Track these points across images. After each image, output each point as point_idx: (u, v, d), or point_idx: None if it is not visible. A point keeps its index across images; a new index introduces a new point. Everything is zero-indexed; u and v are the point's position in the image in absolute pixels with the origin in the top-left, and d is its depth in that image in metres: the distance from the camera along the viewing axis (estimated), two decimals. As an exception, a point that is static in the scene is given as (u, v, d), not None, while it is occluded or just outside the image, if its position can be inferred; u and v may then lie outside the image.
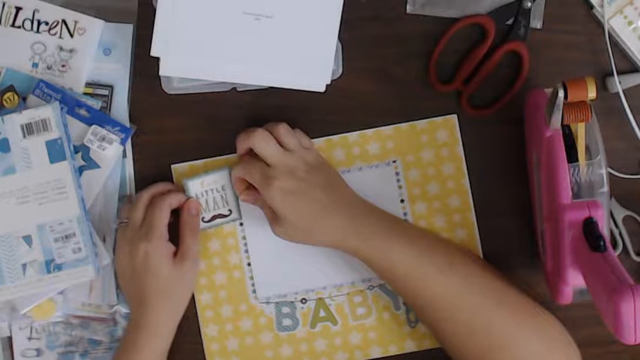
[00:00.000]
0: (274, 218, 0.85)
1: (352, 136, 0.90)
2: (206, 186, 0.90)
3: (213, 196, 0.90)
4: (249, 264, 0.91)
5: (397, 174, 0.91)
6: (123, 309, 0.90)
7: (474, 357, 0.82)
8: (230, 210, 0.91)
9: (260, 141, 0.84)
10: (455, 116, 0.90)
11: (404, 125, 0.90)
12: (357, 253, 0.84)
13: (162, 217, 0.86)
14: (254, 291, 0.91)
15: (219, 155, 0.90)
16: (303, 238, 0.85)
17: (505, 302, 0.82)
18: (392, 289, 0.88)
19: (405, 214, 0.91)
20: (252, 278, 0.91)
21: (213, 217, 0.90)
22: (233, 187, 0.89)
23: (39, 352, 0.91)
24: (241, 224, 0.91)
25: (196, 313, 0.92)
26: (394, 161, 0.91)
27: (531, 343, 0.81)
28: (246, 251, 0.91)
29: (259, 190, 0.84)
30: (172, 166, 0.91)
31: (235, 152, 0.88)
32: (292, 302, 0.92)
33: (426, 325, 0.87)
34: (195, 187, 0.89)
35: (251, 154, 0.86)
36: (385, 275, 0.85)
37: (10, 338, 0.91)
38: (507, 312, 0.82)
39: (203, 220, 0.90)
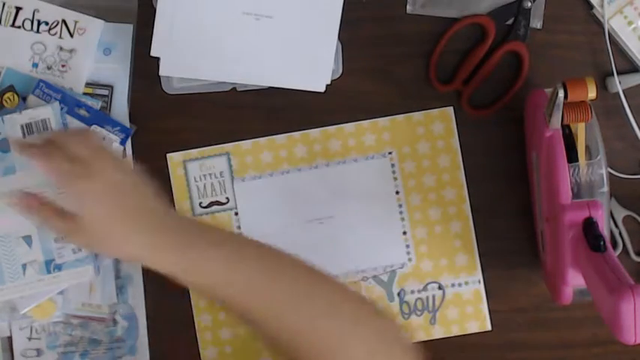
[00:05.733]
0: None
1: (348, 127, 0.90)
2: (205, 170, 0.90)
3: (211, 182, 0.90)
4: (245, 257, 0.91)
5: (393, 165, 0.91)
6: (123, 309, 0.90)
7: None
8: (227, 198, 0.91)
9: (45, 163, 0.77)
10: (451, 108, 0.90)
11: (400, 117, 0.90)
12: (172, 266, 0.74)
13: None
14: (249, 283, 0.91)
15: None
16: (104, 248, 0.78)
17: (328, 312, 0.75)
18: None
19: (400, 205, 0.91)
20: (247, 271, 0.91)
21: (211, 204, 0.90)
22: (228, 174, 0.89)
23: (39, 352, 0.91)
24: (236, 214, 0.91)
25: (190, 303, 0.91)
26: (390, 153, 0.91)
27: (357, 349, 0.73)
28: (242, 243, 0.91)
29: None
30: (168, 154, 0.90)
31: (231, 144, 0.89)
32: (287, 295, 0.91)
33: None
34: (194, 170, 0.90)
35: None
36: (208, 292, 0.77)
37: (10, 338, 0.91)
38: (332, 321, 0.74)
39: (200, 206, 0.90)
